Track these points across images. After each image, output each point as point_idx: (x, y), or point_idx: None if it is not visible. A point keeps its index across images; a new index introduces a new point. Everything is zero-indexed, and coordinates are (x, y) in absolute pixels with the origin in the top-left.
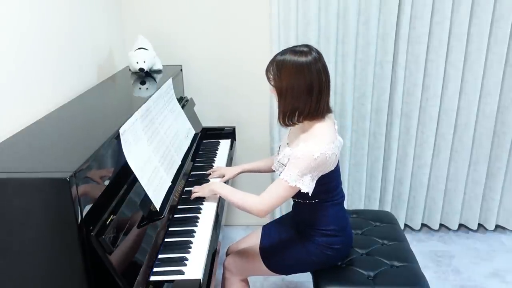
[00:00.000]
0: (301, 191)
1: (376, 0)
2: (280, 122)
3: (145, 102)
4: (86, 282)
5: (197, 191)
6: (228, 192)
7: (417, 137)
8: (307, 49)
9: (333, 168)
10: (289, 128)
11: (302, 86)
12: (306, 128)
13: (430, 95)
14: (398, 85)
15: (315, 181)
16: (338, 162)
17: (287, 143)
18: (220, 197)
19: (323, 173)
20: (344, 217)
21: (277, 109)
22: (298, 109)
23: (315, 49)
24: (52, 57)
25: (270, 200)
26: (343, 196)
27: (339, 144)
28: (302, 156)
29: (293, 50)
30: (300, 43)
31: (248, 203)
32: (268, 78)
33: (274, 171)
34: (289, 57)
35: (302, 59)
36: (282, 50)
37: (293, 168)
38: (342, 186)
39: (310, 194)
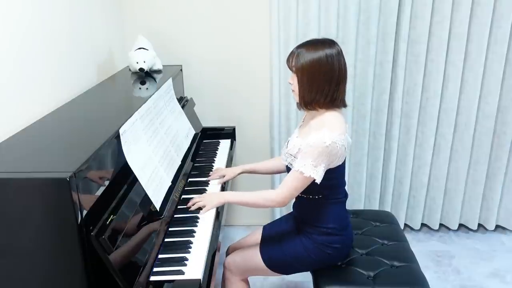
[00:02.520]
0: (315, 181)
1: (376, 0)
2: (302, 107)
3: (145, 102)
4: (86, 282)
5: (199, 200)
6: (239, 197)
7: (417, 137)
8: (328, 40)
9: (340, 163)
10: (300, 124)
11: (322, 75)
12: (316, 116)
13: (430, 95)
14: (398, 85)
15: (324, 172)
16: (345, 160)
17: (297, 137)
18: None
19: (331, 167)
20: (346, 217)
21: (298, 95)
22: (316, 97)
23: (335, 41)
24: (52, 57)
25: (286, 192)
26: (346, 196)
27: (349, 141)
28: (314, 144)
29: (315, 41)
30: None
31: (263, 200)
32: (290, 67)
33: (274, 173)
34: (311, 47)
35: (324, 49)
36: (305, 41)
37: (306, 157)
38: None
39: (319, 183)
